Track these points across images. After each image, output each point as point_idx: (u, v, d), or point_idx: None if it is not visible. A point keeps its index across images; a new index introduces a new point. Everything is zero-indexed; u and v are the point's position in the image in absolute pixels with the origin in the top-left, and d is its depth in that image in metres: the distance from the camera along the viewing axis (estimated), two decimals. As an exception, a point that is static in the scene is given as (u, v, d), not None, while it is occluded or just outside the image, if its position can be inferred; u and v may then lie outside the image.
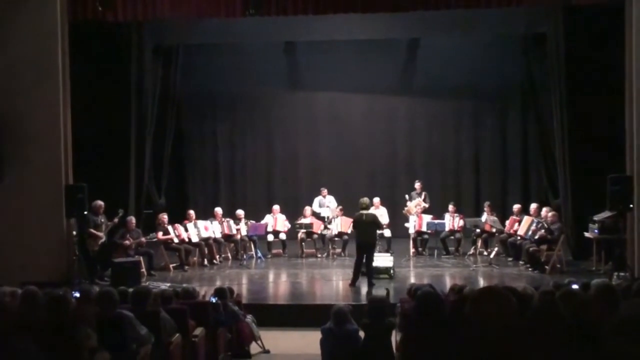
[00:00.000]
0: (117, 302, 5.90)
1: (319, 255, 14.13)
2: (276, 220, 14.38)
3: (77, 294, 6.14)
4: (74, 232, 11.81)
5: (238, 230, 13.95)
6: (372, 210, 12.08)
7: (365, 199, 11.74)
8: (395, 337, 7.19)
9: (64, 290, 6.27)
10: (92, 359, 4.84)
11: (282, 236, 14.33)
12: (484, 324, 2.84)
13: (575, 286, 6.94)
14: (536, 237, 12.25)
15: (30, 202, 11.36)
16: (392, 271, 11.91)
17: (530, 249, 12.24)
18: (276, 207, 14.60)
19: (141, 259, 12.06)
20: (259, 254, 14.03)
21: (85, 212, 11.64)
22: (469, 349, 2.94)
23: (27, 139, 11.38)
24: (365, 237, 11.34)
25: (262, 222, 14.35)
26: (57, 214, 11.48)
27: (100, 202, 12.06)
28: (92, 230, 11.86)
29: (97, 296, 6.00)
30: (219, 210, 14.20)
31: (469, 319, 2.91)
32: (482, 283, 11.33)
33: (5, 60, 11.42)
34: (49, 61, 11.45)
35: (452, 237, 13.93)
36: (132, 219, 12.61)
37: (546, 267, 11.93)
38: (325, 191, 14.74)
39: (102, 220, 12.06)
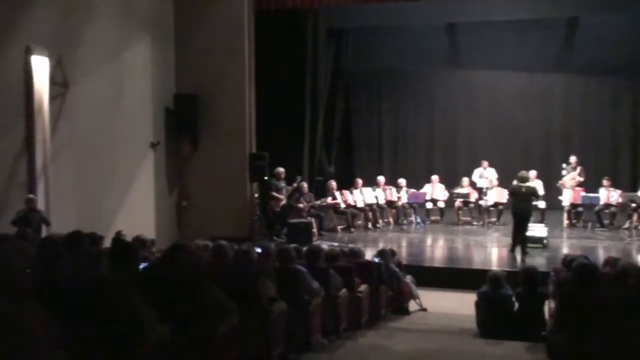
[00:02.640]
0: (293, 258, 6.02)
1: (475, 223, 13.71)
2: (434, 189, 14.14)
3: (259, 250, 6.32)
4: (255, 195, 12.28)
5: (399, 197, 13.89)
6: (528, 183, 11.51)
7: (525, 172, 11.23)
8: (548, 305, 6.83)
9: (247, 246, 6.51)
10: (270, 306, 4.98)
11: (440, 204, 14.07)
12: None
13: None
14: (696, 213, 11.14)
15: (220, 167, 11.95)
16: (545, 241, 11.34)
17: (690, 225, 11.16)
18: (435, 177, 14.32)
19: (313, 220, 12.28)
20: (418, 220, 13.90)
21: (266, 177, 12.04)
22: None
23: (218, 113, 11.96)
24: (521, 207, 10.81)
25: (422, 190, 14.16)
26: (242, 179, 11.98)
27: (281, 169, 12.43)
28: (274, 194, 12.24)
29: (276, 252, 6.15)
30: (381, 178, 14.15)
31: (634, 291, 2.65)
32: (637, 257, 10.50)
33: (200, 46, 12.01)
34: (237, 46, 11.92)
35: (607, 211, 12.96)
36: (305, 184, 12.86)
37: None
38: (485, 163, 14.14)
39: (283, 184, 12.42)
